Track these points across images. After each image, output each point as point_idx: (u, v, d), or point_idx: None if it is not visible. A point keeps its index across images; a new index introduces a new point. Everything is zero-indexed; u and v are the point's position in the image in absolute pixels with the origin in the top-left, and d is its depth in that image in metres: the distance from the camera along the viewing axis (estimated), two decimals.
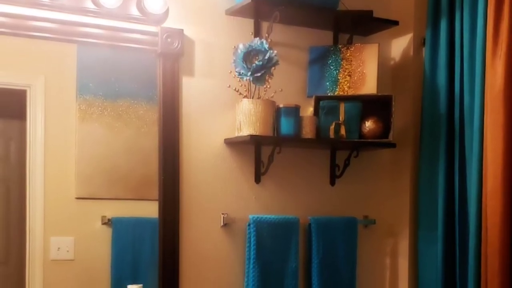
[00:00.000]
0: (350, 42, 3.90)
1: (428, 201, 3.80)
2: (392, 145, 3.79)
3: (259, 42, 3.40)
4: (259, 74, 3.37)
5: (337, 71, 3.79)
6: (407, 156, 3.97)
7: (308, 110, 3.75)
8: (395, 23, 3.84)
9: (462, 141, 3.62)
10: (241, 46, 3.41)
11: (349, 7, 3.76)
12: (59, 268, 3.28)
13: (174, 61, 3.45)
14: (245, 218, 3.61)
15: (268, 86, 3.51)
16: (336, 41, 3.91)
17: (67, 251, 3.28)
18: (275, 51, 3.41)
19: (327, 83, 3.79)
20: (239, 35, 3.61)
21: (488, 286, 3.35)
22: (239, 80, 3.48)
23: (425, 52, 3.85)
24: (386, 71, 4.01)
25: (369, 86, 3.73)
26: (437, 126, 3.73)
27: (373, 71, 3.74)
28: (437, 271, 3.71)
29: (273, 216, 3.64)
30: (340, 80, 3.78)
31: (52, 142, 3.24)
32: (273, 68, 3.42)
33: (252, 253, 3.56)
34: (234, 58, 3.43)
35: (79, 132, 3.29)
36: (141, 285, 3.37)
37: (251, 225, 3.57)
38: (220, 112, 3.59)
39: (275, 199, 3.76)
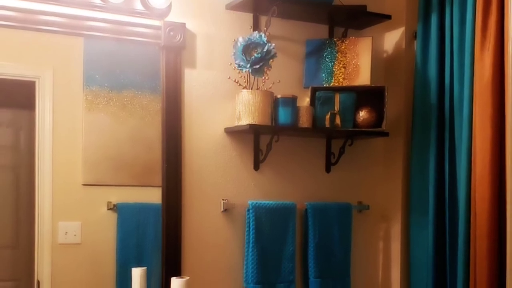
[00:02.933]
0: (345, 36, 3.91)
1: (420, 187, 3.81)
2: (385, 134, 3.80)
3: (257, 36, 3.41)
4: (257, 66, 3.37)
5: (333, 63, 3.80)
6: (399, 144, 3.98)
7: (304, 101, 3.76)
8: (388, 17, 3.85)
9: (452, 130, 3.63)
10: (240, 39, 3.42)
11: (343, 2, 3.76)
12: (66, 252, 3.28)
13: (176, 53, 3.46)
14: (245, 204, 3.62)
15: (267, 78, 3.52)
16: (331, 34, 3.91)
17: (74, 235, 3.29)
18: (273, 44, 3.41)
19: (323, 75, 3.80)
20: (238, 29, 3.62)
21: (477, 269, 3.37)
22: (239, 72, 3.48)
23: (417, 45, 3.86)
24: (379, 63, 4.02)
25: (363, 78, 3.74)
26: (428, 115, 3.74)
27: (367, 63, 3.75)
28: (428, 254, 3.72)
29: (271, 202, 3.66)
30: (335, 72, 3.78)
31: (60, 131, 3.24)
32: (271, 60, 3.43)
33: (251, 237, 3.58)
34: (234, 51, 3.44)
35: (86, 121, 3.30)
36: (145, 268, 3.37)
37: (250, 211, 3.58)
38: (221, 102, 3.60)
39: (273, 185, 3.78)
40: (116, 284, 3.38)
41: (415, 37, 3.91)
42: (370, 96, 3.77)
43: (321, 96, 3.70)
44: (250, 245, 3.58)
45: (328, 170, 3.95)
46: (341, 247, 3.85)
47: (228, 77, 3.53)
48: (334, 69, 3.79)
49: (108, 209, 3.36)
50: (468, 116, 3.46)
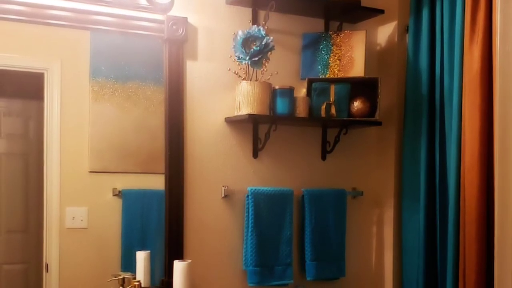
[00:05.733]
0: (339, 29, 3.91)
1: (411, 174, 3.82)
2: (378, 123, 3.82)
3: (256, 29, 3.42)
4: (256, 58, 3.39)
5: (328, 56, 3.82)
6: (392, 133, 3.99)
7: (301, 91, 3.78)
8: (381, 11, 3.86)
9: (442, 119, 3.64)
10: (240, 32, 3.44)
11: None
12: (74, 236, 3.31)
13: (179, 46, 3.47)
14: (244, 190, 3.65)
15: (265, 69, 3.55)
16: (327, 28, 3.92)
17: (81, 220, 3.31)
18: (271, 37, 3.43)
19: (319, 67, 3.82)
20: (238, 23, 3.63)
21: (466, 252, 3.37)
22: (238, 64, 3.50)
23: (408, 38, 3.86)
24: (372, 55, 4.03)
25: (357, 70, 3.75)
26: (419, 106, 3.75)
27: (361, 55, 3.76)
28: (420, 238, 3.74)
29: (269, 188, 3.68)
30: (330, 64, 3.80)
31: (67, 121, 3.26)
32: (269, 53, 3.44)
33: (250, 222, 3.61)
34: (234, 44, 3.46)
35: (92, 111, 3.32)
36: (149, 251, 3.40)
37: (249, 197, 3.61)
38: (221, 93, 3.62)
39: (271, 172, 3.79)
40: (121, 266, 3.39)
41: (407, 30, 3.91)
42: (364, 87, 3.78)
43: (317, 87, 3.72)
44: (249, 230, 3.61)
45: (323, 157, 3.97)
46: (336, 231, 3.87)
47: (228, 69, 3.55)
48: (330, 61, 3.80)
49: (113, 195, 3.38)
50: (457, 107, 3.46)
